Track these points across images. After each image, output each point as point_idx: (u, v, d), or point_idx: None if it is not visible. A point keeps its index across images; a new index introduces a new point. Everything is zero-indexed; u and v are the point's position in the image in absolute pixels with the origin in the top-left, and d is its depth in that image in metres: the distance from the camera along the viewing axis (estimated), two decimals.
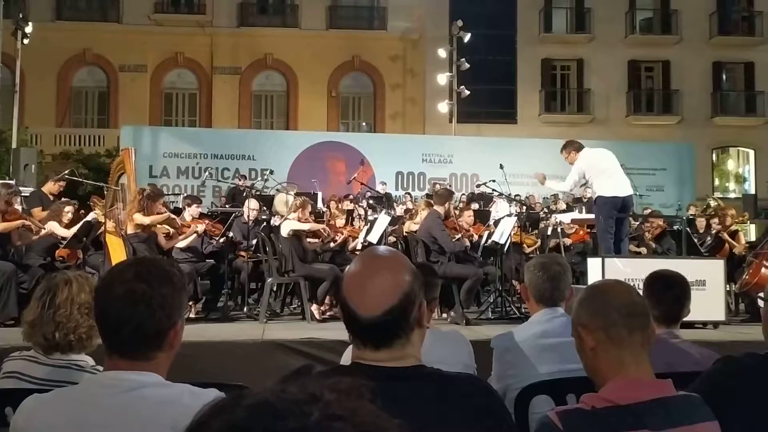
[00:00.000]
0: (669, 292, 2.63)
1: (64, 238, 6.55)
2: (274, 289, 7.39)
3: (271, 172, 12.84)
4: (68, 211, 6.88)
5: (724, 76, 25.67)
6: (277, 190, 10.65)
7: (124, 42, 22.60)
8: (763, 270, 6.89)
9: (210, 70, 23.66)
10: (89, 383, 1.58)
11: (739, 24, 25.71)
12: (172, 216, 6.62)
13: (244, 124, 23.05)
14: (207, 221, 7.42)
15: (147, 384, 1.43)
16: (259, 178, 13.78)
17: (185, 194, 11.63)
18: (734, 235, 8.21)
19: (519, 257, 8.19)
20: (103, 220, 6.25)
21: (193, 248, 7.10)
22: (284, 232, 6.79)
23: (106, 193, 6.91)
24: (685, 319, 2.72)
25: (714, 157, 25.62)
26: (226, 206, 10.87)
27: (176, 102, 24.12)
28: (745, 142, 25.61)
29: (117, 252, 6.22)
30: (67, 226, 6.64)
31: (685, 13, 24.81)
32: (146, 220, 6.26)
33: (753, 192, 23.90)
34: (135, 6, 23.09)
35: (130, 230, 6.28)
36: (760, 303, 5.55)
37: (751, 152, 25.81)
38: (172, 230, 6.68)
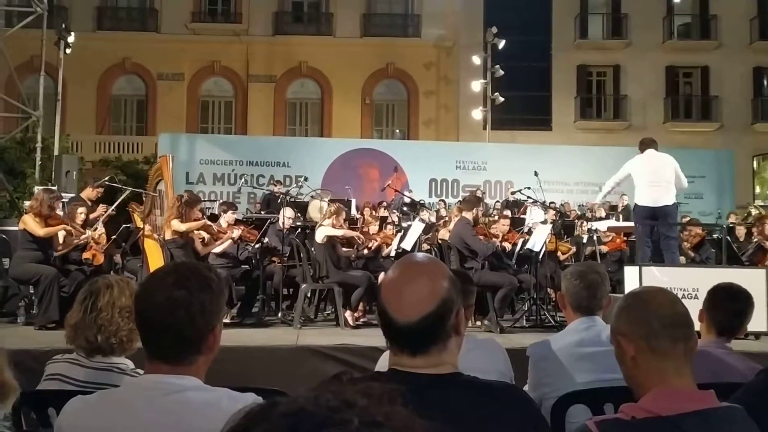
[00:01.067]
0: (730, 305, 2.61)
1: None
2: (309, 295, 7.43)
3: (306, 179, 12.95)
4: (81, 212, 7.03)
5: (765, 82, 25.06)
6: (312, 196, 10.72)
7: (162, 51, 23.06)
8: None
9: (246, 78, 23.97)
10: (131, 386, 1.61)
11: None
12: (208, 222, 6.71)
13: (278, 132, 23.29)
14: (242, 227, 7.51)
15: (187, 387, 1.45)
16: (294, 185, 13.90)
17: (221, 200, 11.80)
18: None
19: (554, 265, 8.11)
20: (141, 226, 6.37)
21: (228, 254, 7.19)
22: (319, 238, 6.83)
23: (144, 199, 7.05)
24: None
25: (755, 165, 25.00)
26: (261, 212, 10.97)
27: (212, 110, 24.49)
28: None
29: (155, 257, 6.34)
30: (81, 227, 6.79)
31: (724, 18, 24.33)
32: (183, 227, 6.36)
33: None
34: (173, 16, 23.55)
35: (167, 236, 6.39)
36: None
37: None
38: (207, 236, 6.78)
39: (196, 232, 6.64)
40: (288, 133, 23.67)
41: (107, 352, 2.14)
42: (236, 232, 6.99)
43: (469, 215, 7.05)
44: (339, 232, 6.91)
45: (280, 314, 7.23)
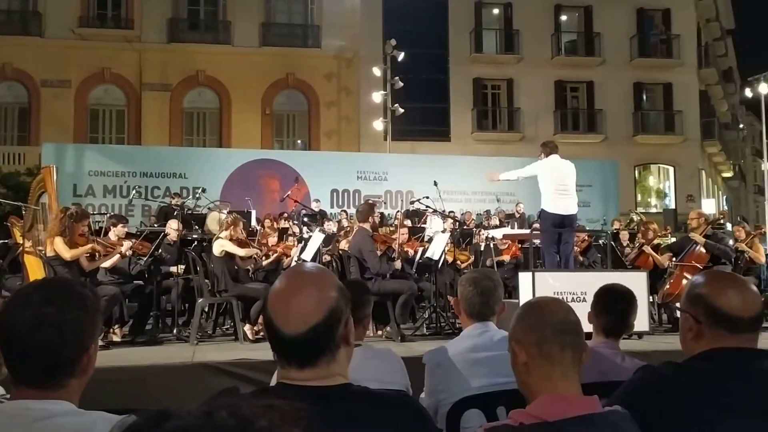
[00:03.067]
0: (615, 306, 2.72)
1: None
2: (206, 309, 7.21)
3: (204, 191, 12.61)
4: None
5: (644, 97, 26.86)
6: (209, 208, 10.43)
7: (47, 56, 21.81)
8: (683, 281, 7.18)
9: (139, 87, 23.08)
10: None
11: (657, 47, 27.00)
12: (96, 247, 6.32)
13: (175, 142, 22.54)
14: (134, 240, 7.19)
15: (58, 413, 1.34)
16: (191, 197, 13.50)
17: (111, 214, 11.26)
18: (656, 248, 8.53)
19: (453, 273, 8.28)
20: (21, 241, 5.95)
21: (119, 269, 6.86)
22: (216, 251, 6.64)
23: (24, 213, 6.61)
24: None
25: (636, 174, 26.70)
26: (155, 225, 10.56)
27: (103, 119, 23.38)
28: (665, 159, 26.81)
29: (36, 274, 5.94)
30: None
31: (607, 36, 25.89)
32: (68, 254, 5.93)
33: (673, 207, 25.09)
34: (58, 20, 22.35)
35: (50, 252, 6.00)
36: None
37: (671, 169, 27.04)
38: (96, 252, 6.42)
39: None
40: (185, 143, 22.96)
41: None
42: (126, 244, 6.66)
43: (366, 225, 7.06)
44: (239, 252, 6.72)
45: (175, 331, 6.97)
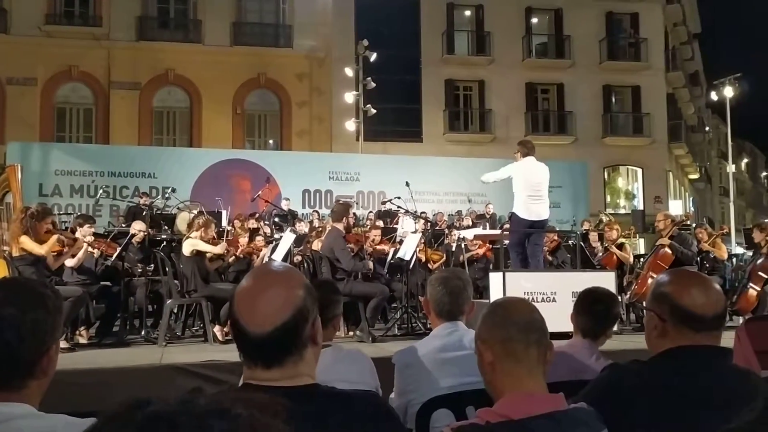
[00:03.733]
0: (594, 307, 2.76)
1: None
2: (175, 310, 7.12)
3: (173, 191, 12.49)
4: None
5: (613, 99, 27.25)
6: (178, 208, 10.31)
7: (12, 54, 21.33)
8: (649, 280, 7.29)
9: (107, 85, 22.71)
10: None
11: (626, 50, 27.42)
12: (62, 237, 6.22)
13: (144, 141, 22.25)
14: (101, 241, 7.08)
15: (17, 416, 1.31)
16: (160, 197, 13.34)
17: (78, 213, 11.07)
18: (621, 247, 8.65)
19: (425, 273, 8.29)
20: None
21: (85, 269, 6.74)
22: (186, 251, 6.57)
23: None
24: None
25: (606, 175, 27.07)
26: (123, 226, 10.41)
27: (70, 117, 22.95)
28: (633, 160, 27.22)
29: (0, 274, 5.80)
30: None
31: (576, 38, 26.21)
32: (41, 250, 5.82)
33: (641, 208, 25.49)
34: (24, 16, 21.89)
35: (16, 252, 5.86)
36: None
37: (639, 170, 27.47)
38: (64, 248, 6.29)
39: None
40: (155, 142, 22.66)
41: None
42: (89, 238, 6.52)
43: (339, 225, 7.05)
44: (211, 249, 6.66)
45: (143, 332, 6.87)
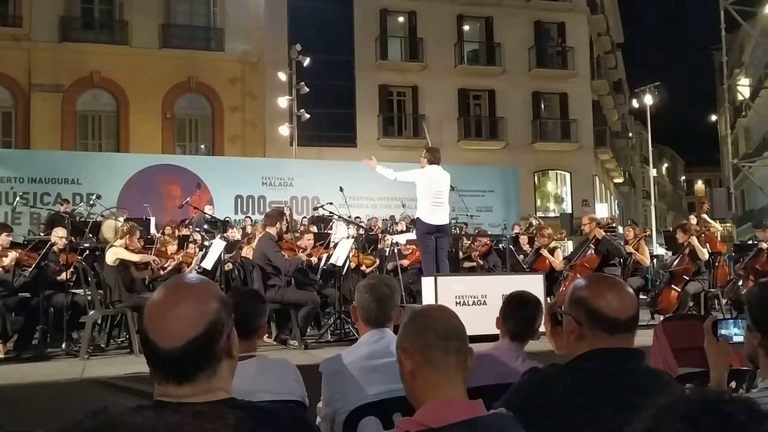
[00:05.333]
0: (520, 312, 2.81)
1: None
2: (99, 322, 6.86)
3: (98, 197, 12.03)
4: None
5: (542, 105, 27.99)
6: (103, 216, 9.93)
7: None
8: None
9: (27, 87, 21.74)
10: None
11: (554, 58, 28.23)
12: None
13: (67, 146, 21.38)
14: (20, 251, 6.76)
15: None
16: (84, 204, 12.84)
17: None
18: (553, 251, 8.87)
19: (358, 278, 8.27)
20: None
21: (2, 281, 6.42)
22: (109, 260, 6.34)
23: None
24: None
25: (536, 180, 27.76)
26: (42, 234, 9.97)
27: None
28: (562, 165, 28.03)
29: None
30: None
31: (507, 46, 26.82)
32: None
33: (570, 211, 26.25)
34: None
35: None
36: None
37: (568, 175, 28.30)
38: None
39: None
40: (79, 147, 21.79)
41: None
42: (11, 255, 6.24)
43: (272, 230, 6.96)
44: (134, 257, 6.45)
45: (64, 345, 6.58)
